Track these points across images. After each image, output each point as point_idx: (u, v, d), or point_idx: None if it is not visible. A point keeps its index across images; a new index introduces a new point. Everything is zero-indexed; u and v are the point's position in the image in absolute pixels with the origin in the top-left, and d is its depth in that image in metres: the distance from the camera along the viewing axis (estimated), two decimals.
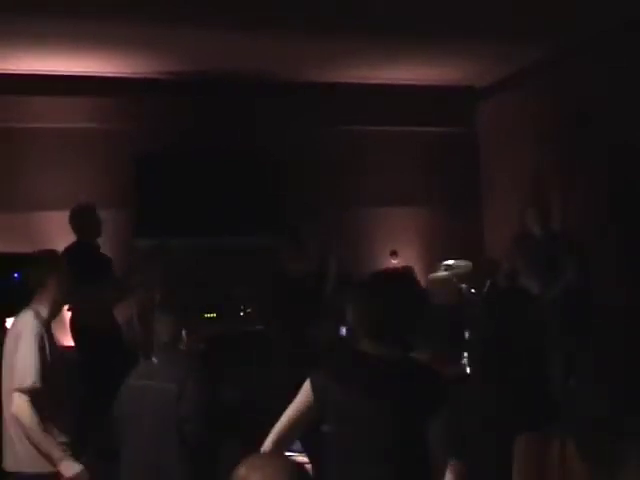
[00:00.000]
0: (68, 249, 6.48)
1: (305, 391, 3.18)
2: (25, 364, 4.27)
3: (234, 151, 8.27)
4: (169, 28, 6.66)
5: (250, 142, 8.21)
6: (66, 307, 6.17)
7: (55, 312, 4.61)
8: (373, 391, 3.03)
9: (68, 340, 6.61)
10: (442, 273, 7.58)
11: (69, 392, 4.56)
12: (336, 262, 6.91)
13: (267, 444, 3.17)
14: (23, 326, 4.39)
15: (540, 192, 7.85)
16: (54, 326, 4.64)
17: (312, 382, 3.16)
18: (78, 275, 5.10)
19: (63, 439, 4.41)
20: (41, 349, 4.30)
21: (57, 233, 6.87)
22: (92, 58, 7.44)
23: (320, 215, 8.22)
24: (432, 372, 3.18)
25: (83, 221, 6.76)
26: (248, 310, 7.41)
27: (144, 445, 4.09)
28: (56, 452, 4.29)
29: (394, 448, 3.00)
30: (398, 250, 8.29)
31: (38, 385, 4.26)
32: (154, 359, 4.19)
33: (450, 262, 7.77)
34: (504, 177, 8.61)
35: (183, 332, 4.26)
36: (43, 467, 4.33)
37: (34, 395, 4.26)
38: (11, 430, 4.37)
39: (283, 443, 3.19)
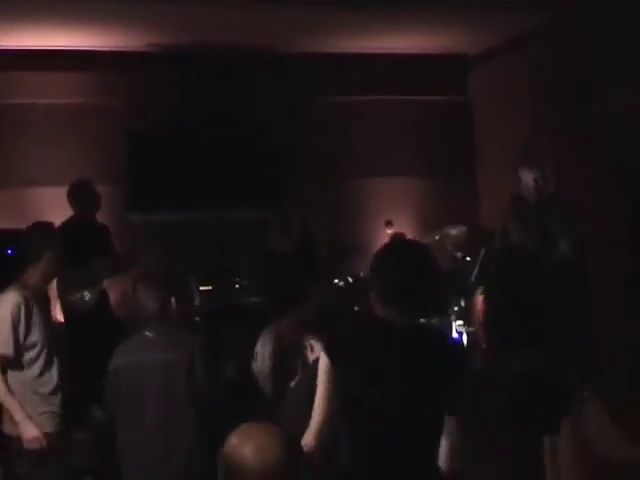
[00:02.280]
0: (66, 224, 6.47)
1: (326, 368, 3.04)
2: None
3: (229, 124, 8.23)
4: (162, 1, 6.61)
5: (246, 115, 8.16)
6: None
7: (44, 284, 4.65)
8: (393, 358, 2.99)
9: (58, 315, 6.62)
10: (434, 239, 7.56)
11: (59, 364, 4.59)
12: (325, 233, 6.91)
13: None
14: (3, 299, 4.49)
15: (533, 160, 7.83)
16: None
17: (330, 355, 3.04)
18: (74, 251, 5.11)
19: (47, 408, 4.46)
20: (16, 320, 4.39)
21: (50, 209, 6.85)
22: (83, 33, 7.39)
23: (315, 187, 8.21)
24: (450, 339, 3.18)
25: (82, 197, 6.76)
26: (243, 282, 7.41)
27: (151, 420, 4.07)
28: (18, 413, 4.40)
29: (414, 414, 2.97)
30: (393, 220, 8.27)
31: (8, 354, 4.39)
32: (147, 333, 4.16)
33: (444, 229, 7.74)
34: (497, 145, 8.59)
35: (172, 300, 4.24)
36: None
37: (6, 361, 4.39)
38: None
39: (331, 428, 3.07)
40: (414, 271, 3.04)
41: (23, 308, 4.40)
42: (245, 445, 2.21)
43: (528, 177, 6.93)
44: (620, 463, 2.48)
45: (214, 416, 4.06)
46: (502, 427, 2.98)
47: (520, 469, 2.92)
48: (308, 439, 2.98)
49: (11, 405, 4.40)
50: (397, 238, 7.03)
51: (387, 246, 3.31)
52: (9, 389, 4.40)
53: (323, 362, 3.04)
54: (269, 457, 2.18)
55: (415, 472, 2.96)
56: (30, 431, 4.39)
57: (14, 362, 4.43)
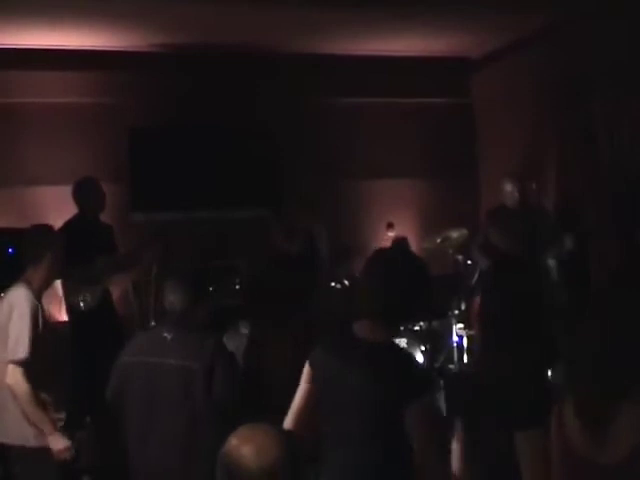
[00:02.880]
0: (70, 222, 6.47)
1: (306, 371, 3.22)
2: (19, 335, 4.27)
3: (231, 124, 8.25)
4: (165, 1, 6.62)
5: (247, 115, 8.18)
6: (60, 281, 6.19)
7: (46, 286, 4.61)
8: (356, 374, 3.04)
9: (61, 316, 6.63)
10: (435, 242, 7.56)
11: (60, 366, 4.56)
12: (325, 234, 6.89)
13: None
14: (17, 298, 4.38)
15: (534, 163, 7.85)
16: (48, 300, 4.65)
17: (309, 361, 3.21)
18: (78, 250, 5.09)
19: (56, 415, 4.42)
20: (35, 321, 4.30)
21: (52, 208, 6.87)
22: (86, 32, 7.39)
23: (316, 188, 8.20)
24: (413, 357, 3.26)
25: (86, 194, 6.74)
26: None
27: (164, 424, 4.04)
28: (47, 425, 4.29)
29: (376, 429, 3.00)
30: (395, 222, 8.27)
31: (28, 358, 4.26)
32: (165, 334, 4.11)
33: (445, 232, 7.73)
34: (500, 147, 8.59)
35: (197, 301, 4.17)
36: (29, 441, 4.33)
37: (27, 366, 4.26)
38: (1, 400, 4.37)
39: (302, 427, 3.17)
40: (392, 287, 3.05)
41: (39, 307, 4.36)
42: (244, 446, 2.22)
43: (510, 187, 7.00)
44: (593, 463, 2.52)
45: (229, 420, 4.06)
46: (500, 427, 3.01)
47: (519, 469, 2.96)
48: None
49: (40, 417, 4.27)
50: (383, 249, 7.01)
51: (375, 258, 3.28)
52: (38, 399, 4.29)
53: (305, 366, 3.23)
54: (268, 458, 2.19)
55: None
56: (61, 442, 4.30)
57: (32, 364, 4.30)
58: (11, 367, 4.27)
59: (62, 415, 4.46)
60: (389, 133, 8.76)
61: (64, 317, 6.58)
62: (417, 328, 7.16)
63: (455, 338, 7.09)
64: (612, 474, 2.49)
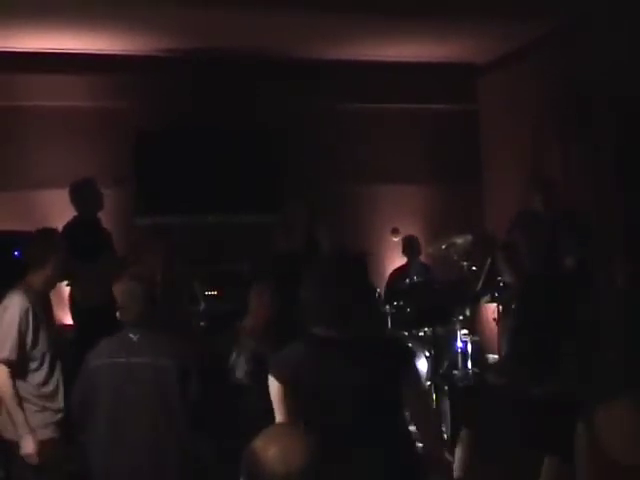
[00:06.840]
0: (69, 225, 6.48)
1: (275, 388, 3.07)
2: (5, 335, 4.36)
3: (234, 129, 8.25)
4: (169, 6, 6.63)
5: (250, 120, 8.18)
6: (65, 283, 6.19)
7: (49, 288, 4.66)
8: (339, 373, 3.01)
9: (67, 319, 6.63)
10: (440, 248, 7.56)
11: (65, 370, 4.58)
12: (326, 237, 6.87)
13: None
14: (10, 300, 4.45)
15: (540, 169, 7.84)
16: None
17: (277, 374, 3.07)
18: (78, 251, 5.10)
19: (48, 416, 4.46)
20: (23, 325, 4.36)
21: (57, 211, 6.87)
22: (92, 36, 7.41)
23: (320, 193, 8.20)
24: (391, 340, 3.23)
25: (84, 196, 6.76)
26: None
27: (134, 424, 4.05)
28: (21, 427, 4.34)
29: (374, 424, 2.98)
30: (399, 228, 8.27)
31: (13, 358, 4.34)
32: (132, 335, 4.14)
33: (450, 237, 7.71)
34: (505, 153, 8.59)
35: (153, 303, 4.23)
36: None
37: (12, 366, 4.33)
38: None
39: None
40: (346, 292, 3.07)
41: (31, 313, 4.39)
42: (270, 448, 2.22)
43: (537, 197, 6.98)
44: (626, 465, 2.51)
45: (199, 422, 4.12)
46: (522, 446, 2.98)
47: None
48: None
49: (18, 416, 4.33)
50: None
51: (319, 266, 3.28)
52: (19, 399, 4.35)
53: (271, 383, 3.07)
54: (293, 464, 2.20)
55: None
56: (28, 447, 4.33)
57: (18, 369, 4.38)
58: None
59: (57, 417, 4.50)
60: (393, 138, 8.75)
61: (69, 321, 6.59)
62: (421, 334, 7.16)
63: (459, 344, 7.08)
64: None
